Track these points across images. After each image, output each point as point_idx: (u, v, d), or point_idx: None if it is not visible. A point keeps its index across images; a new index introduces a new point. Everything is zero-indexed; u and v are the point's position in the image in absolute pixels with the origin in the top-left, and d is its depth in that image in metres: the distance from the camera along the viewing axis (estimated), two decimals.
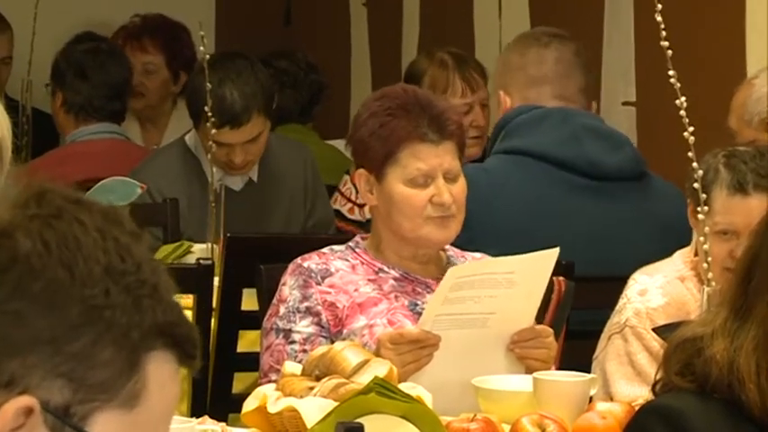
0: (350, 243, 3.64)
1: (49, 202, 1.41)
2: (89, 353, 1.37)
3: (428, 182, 3.49)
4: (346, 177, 4.83)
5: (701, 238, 3.46)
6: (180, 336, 1.42)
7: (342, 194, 5.16)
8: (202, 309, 4.04)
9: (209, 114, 4.76)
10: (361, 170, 3.60)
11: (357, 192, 3.75)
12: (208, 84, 4.74)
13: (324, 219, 5.14)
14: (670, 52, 3.43)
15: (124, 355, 1.38)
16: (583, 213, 4.07)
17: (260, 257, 3.89)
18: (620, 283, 3.75)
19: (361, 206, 3.85)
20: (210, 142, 4.77)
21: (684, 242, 4.11)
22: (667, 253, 3.96)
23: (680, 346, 2.33)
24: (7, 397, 1.35)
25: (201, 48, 5.13)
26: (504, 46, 4.93)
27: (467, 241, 3.64)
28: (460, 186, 3.53)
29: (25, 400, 1.35)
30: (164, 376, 1.41)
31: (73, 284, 1.37)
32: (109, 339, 1.37)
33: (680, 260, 3.74)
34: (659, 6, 3.44)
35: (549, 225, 3.83)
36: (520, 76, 4.45)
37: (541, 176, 4.24)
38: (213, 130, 4.79)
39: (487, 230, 3.62)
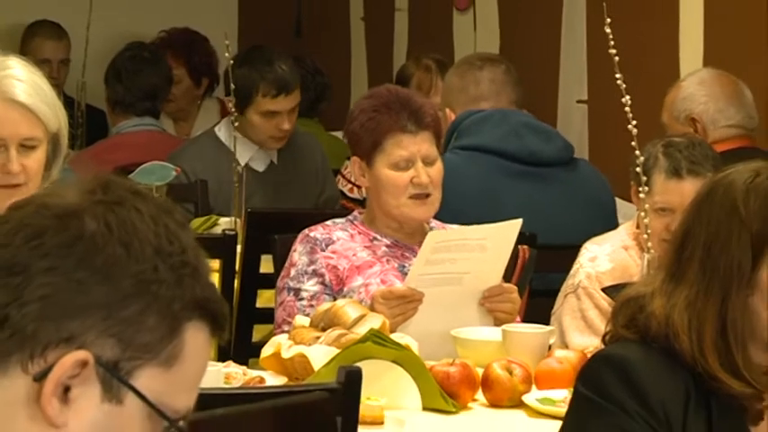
0: (349, 217, 3.64)
1: (113, 191, 1.42)
2: (137, 319, 1.37)
3: (409, 165, 3.49)
4: (347, 162, 4.81)
5: (642, 214, 3.46)
6: (214, 311, 1.43)
7: (343, 177, 5.15)
8: (227, 272, 4.06)
9: (262, 93, 4.92)
10: (355, 157, 3.61)
11: (354, 176, 3.75)
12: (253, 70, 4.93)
13: (331, 197, 5.15)
14: (617, 59, 3.43)
15: (166, 322, 1.39)
16: (525, 194, 4.09)
17: (274, 229, 3.89)
18: (573, 251, 3.76)
19: (359, 187, 3.85)
20: (258, 116, 4.93)
21: (606, 215, 4.22)
22: (592, 223, 4.06)
23: (625, 303, 2.33)
24: (66, 350, 1.35)
25: (227, 54, 5.15)
26: (453, 67, 4.92)
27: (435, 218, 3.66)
28: (437, 169, 3.54)
29: (81, 354, 1.35)
30: (198, 343, 1.42)
31: (128, 261, 1.38)
32: (154, 309, 1.38)
33: (624, 232, 3.75)
34: (608, 20, 3.45)
35: (497, 205, 3.84)
36: (461, 95, 4.49)
37: (490, 166, 4.26)
38: (270, 101, 4.92)
39: (449, 211, 3.63)
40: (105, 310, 1.37)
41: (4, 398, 1.37)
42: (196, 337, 1.41)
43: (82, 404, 1.37)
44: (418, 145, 3.50)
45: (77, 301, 1.36)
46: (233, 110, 4.89)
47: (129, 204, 1.41)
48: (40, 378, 1.36)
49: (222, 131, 5.09)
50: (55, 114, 2.98)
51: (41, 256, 1.37)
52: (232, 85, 4.61)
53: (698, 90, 4.37)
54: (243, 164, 4.96)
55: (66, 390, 1.36)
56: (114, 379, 1.37)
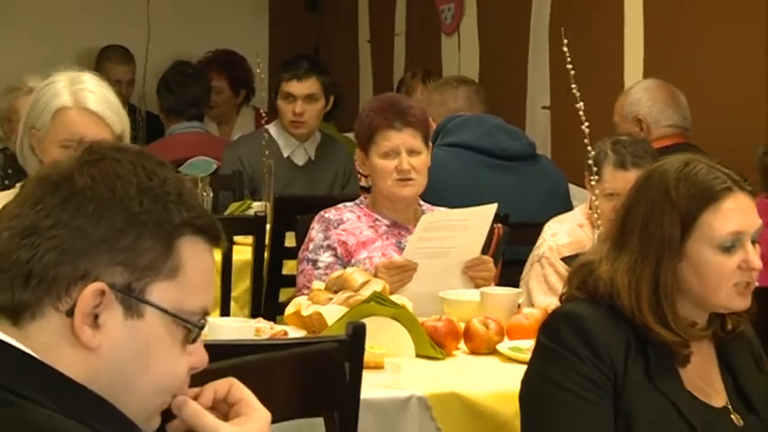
0: (356, 201, 3.63)
1: (95, 152, 1.43)
2: (134, 245, 1.37)
3: (394, 155, 3.48)
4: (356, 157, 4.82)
5: (594, 198, 3.46)
6: (202, 225, 1.42)
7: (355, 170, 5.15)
8: (259, 245, 4.03)
9: (283, 79, 4.99)
10: (358, 150, 3.62)
11: (360, 168, 3.76)
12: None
13: (354, 190, 5.09)
14: (573, 72, 3.41)
15: (160, 243, 1.38)
16: (497, 183, 4.09)
17: (297, 210, 3.87)
18: (538, 228, 3.74)
19: (366, 176, 3.85)
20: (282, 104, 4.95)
21: (562, 200, 4.23)
22: (551, 205, 4.05)
23: (578, 269, 2.32)
24: (84, 285, 1.35)
25: (258, 70, 5.19)
26: (434, 85, 5.04)
27: (426, 202, 3.65)
28: (420, 159, 3.51)
29: (97, 285, 1.35)
30: (195, 253, 1.41)
31: (115, 201, 1.37)
32: (147, 234, 1.38)
33: (579, 213, 3.74)
34: (566, 41, 3.44)
35: (476, 191, 3.82)
36: (442, 108, 4.52)
37: (469, 160, 4.26)
38: (286, 84, 4.94)
39: (437, 196, 3.63)
40: (106, 244, 1.36)
41: (48, 336, 1.37)
42: (192, 249, 1.41)
43: (109, 326, 1.37)
44: (402, 139, 3.48)
45: (82, 244, 1.36)
46: (264, 116, 4.93)
47: (110, 158, 1.41)
48: (70, 313, 1.36)
49: (272, 128, 5.06)
50: (119, 120, 2.98)
51: (45, 216, 1.37)
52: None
53: (643, 96, 4.37)
54: (285, 156, 4.98)
55: (96, 317, 1.36)
56: (131, 298, 1.37)
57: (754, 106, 4.31)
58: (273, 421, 1.53)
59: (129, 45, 6.61)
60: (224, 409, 1.50)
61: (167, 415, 1.47)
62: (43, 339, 1.36)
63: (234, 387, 1.51)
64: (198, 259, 1.41)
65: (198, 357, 1.44)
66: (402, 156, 3.48)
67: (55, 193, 1.38)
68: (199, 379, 1.51)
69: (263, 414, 1.50)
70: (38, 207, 1.38)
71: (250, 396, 1.51)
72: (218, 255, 3.93)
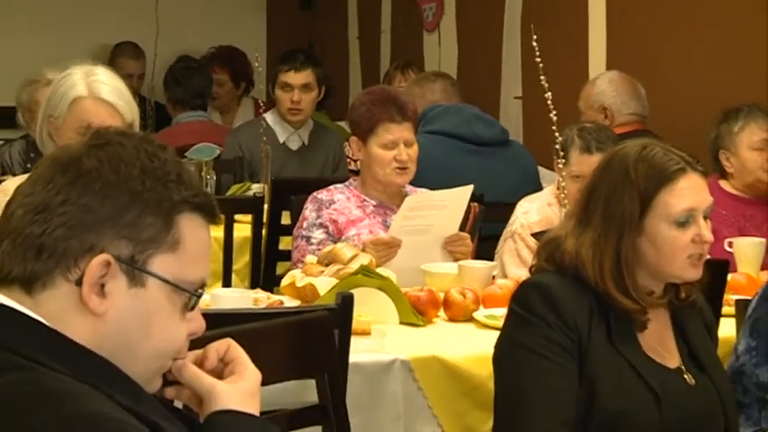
0: (346, 183, 3.62)
1: (101, 137, 1.42)
2: (137, 221, 1.37)
3: (394, 146, 3.46)
4: (346, 143, 4.78)
5: (561, 179, 3.46)
6: (199, 203, 1.42)
7: (346, 155, 5.13)
8: (257, 223, 4.03)
9: (280, 70, 4.95)
10: (353, 137, 3.58)
11: (352, 152, 3.74)
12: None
13: (343, 173, 5.06)
14: (541, 65, 3.42)
15: (161, 219, 1.38)
16: (473, 166, 4.05)
17: (292, 191, 3.86)
18: (510, 206, 3.74)
19: (355, 161, 3.84)
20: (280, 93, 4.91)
21: (532, 181, 4.23)
22: (522, 186, 4.03)
23: (547, 243, 2.31)
24: (92, 257, 1.35)
25: (256, 64, 5.17)
26: (414, 79, 5.03)
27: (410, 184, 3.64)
28: (414, 149, 3.51)
29: (103, 257, 1.35)
30: (193, 228, 1.41)
31: (119, 181, 1.37)
32: (148, 211, 1.37)
33: (548, 193, 3.74)
34: (535, 37, 3.44)
35: (454, 174, 3.80)
36: (422, 100, 4.48)
37: (448, 146, 4.24)
38: (283, 74, 4.92)
39: (419, 179, 3.62)
40: (111, 220, 1.36)
41: (58, 304, 1.36)
42: (191, 225, 1.40)
43: (115, 294, 1.36)
44: (401, 132, 3.47)
45: (89, 220, 1.35)
46: (262, 105, 4.91)
47: (115, 142, 1.40)
48: (79, 282, 1.35)
49: (269, 116, 5.03)
50: (130, 109, 2.97)
51: (55, 194, 1.36)
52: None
53: (608, 87, 4.38)
54: (281, 142, 4.94)
55: (102, 287, 1.35)
56: (134, 269, 1.37)
57: (706, 96, 4.31)
58: (271, 383, 1.53)
59: (140, 42, 6.60)
60: (219, 368, 1.50)
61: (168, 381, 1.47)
62: (54, 307, 1.35)
63: (231, 347, 1.51)
64: (196, 234, 1.41)
65: (196, 324, 1.44)
66: (401, 147, 3.47)
67: (64, 173, 1.37)
68: (200, 345, 1.50)
69: (255, 373, 1.50)
70: (49, 186, 1.37)
71: (244, 356, 1.51)
72: (219, 231, 3.97)
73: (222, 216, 2.00)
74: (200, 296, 1.42)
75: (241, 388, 1.46)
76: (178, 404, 1.53)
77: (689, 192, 2.19)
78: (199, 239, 1.41)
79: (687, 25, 4.55)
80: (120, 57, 6.50)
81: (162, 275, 1.38)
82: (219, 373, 1.49)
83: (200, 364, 1.48)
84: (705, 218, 2.22)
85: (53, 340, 1.34)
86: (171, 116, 5.79)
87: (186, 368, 1.46)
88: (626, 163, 2.22)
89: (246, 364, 1.49)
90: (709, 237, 2.21)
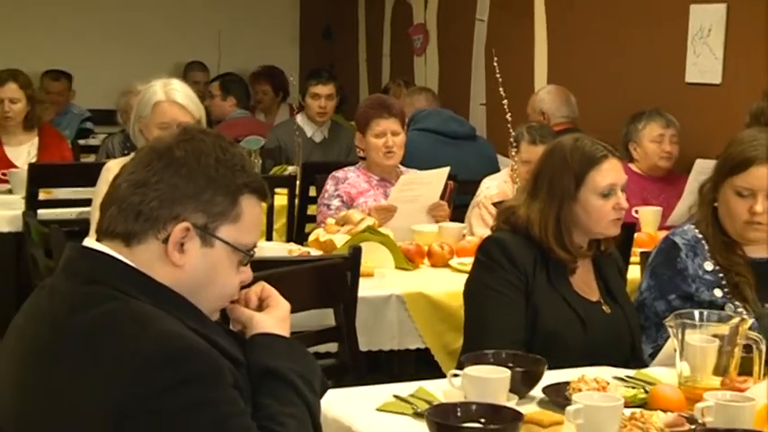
0: (356, 165, 3.57)
1: (187, 133, 1.40)
2: (211, 199, 1.35)
3: (383, 135, 3.42)
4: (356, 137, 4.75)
5: (514, 164, 3.44)
6: (256, 187, 1.40)
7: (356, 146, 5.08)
8: (291, 196, 3.99)
9: (311, 83, 4.88)
10: (357, 132, 3.54)
11: (358, 143, 3.70)
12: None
13: (354, 158, 4.95)
14: (500, 79, 3.40)
15: (228, 198, 1.36)
16: (451, 154, 3.99)
17: (317, 172, 3.83)
18: (476, 183, 3.71)
19: (362, 150, 3.80)
20: (309, 101, 4.83)
21: (492, 165, 4.17)
22: (484, 168, 3.98)
23: (504, 210, 2.29)
24: (176, 223, 1.34)
25: (291, 78, 5.12)
26: (407, 92, 5.02)
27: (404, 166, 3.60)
28: (400, 138, 3.46)
29: (184, 224, 1.34)
30: (250, 206, 1.39)
31: (199, 168, 1.35)
32: (220, 192, 1.35)
33: (505, 173, 3.68)
34: (496, 59, 3.41)
35: (436, 160, 3.72)
36: (411, 107, 4.47)
37: (431, 139, 4.17)
38: (313, 86, 4.84)
39: (411, 163, 3.58)
40: (192, 197, 1.34)
41: (149, 256, 1.35)
42: (249, 203, 1.38)
43: (191, 252, 1.35)
44: (388, 124, 3.42)
45: (176, 195, 1.34)
46: (295, 110, 4.85)
47: (198, 138, 1.38)
48: (165, 241, 1.34)
49: (299, 118, 4.97)
50: (197, 108, 2.94)
51: (152, 174, 1.35)
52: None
53: (546, 97, 4.32)
54: (308, 136, 4.87)
55: (182, 245, 1.34)
56: (206, 234, 1.35)
57: (619, 103, 4.29)
58: (300, 310, 1.51)
59: (206, 60, 6.52)
60: (256, 304, 1.48)
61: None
62: (144, 257, 1.34)
63: (264, 287, 1.49)
64: (252, 210, 1.39)
65: (246, 275, 1.42)
66: (388, 136, 3.42)
67: (159, 159, 1.36)
68: (253, 283, 1.48)
69: (285, 304, 1.48)
70: (147, 168, 1.35)
71: (275, 293, 1.49)
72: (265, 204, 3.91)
73: None
74: (252, 256, 1.41)
75: (274, 316, 1.45)
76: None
77: (610, 172, 2.17)
78: (254, 215, 1.39)
79: (606, 52, 4.52)
80: (191, 71, 6.43)
81: (226, 240, 1.36)
82: (258, 309, 1.47)
83: (245, 304, 1.47)
84: (622, 191, 2.20)
85: (141, 279, 1.34)
86: (221, 116, 5.69)
87: (234, 308, 1.46)
88: (563, 151, 2.20)
89: (278, 298, 1.48)
90: (625, 204, 2.20)
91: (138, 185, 1.34)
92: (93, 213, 2.92)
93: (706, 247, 2.23)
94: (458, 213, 3.64)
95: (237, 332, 1.46)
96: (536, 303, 2.14)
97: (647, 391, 1.80)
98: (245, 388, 1.34)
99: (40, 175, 3.59)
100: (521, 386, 1.77)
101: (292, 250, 2.98)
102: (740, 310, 2.13)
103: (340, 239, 2.95)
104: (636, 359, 2.18)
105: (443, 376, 1.83)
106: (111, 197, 1.36)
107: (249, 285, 1.46)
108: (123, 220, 1.34)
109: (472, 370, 1.71)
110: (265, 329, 1.42)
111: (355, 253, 2.48)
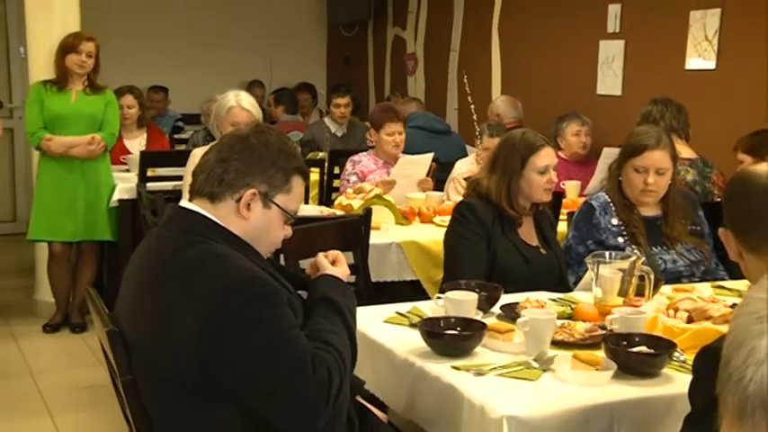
0: (367, 152, 3.52)
1: (260, 127, 1.37)
2: (273, 175, 1.32)
3: (393, 134, 3.38)
4: (367, 133, 4.63)
5: (478, 150, 3.39)
6: (303, 171, 1.37)
7: (367, 138, 5.02)
8: (321, 173, 3.92)
9: (333, 96, 4.76)
10: (372, 129, 3.49)
11: (370, 136, 3.64)
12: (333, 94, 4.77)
13: (365, 147, 4.79)
14: (468, 92, 3.35)
15: (285, 176, 1.34)
16: (434, 145, 3.82)
17: (340, 156, 3.77)
18: (451, 164, 3.66)
19: (373, 141, 3.75)
20: (333, 108, 4.70)
21: (461, 151, 4.10)
22: (457, 154, 3.91)
23: (472, 182, 2.26)
24: (247, 189, 1.31)
25: (321, 91, 5.04)
26: (402, 101, 4.88)
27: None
28: (403, 136, 3.41)
29: (252, 190, 1.32)
30: (298, 183, 1.36)
31: (267, 153, 1.32)
32: (280, 171, 1.33)
33: (472, 157, 3.64)
34: (466, 76, 3.37)
35: (423, 148, 3.68)
36: (405, 111, 4.37)
37: (420, 134, 4.10)
38: (335, 97, 4.72)
39: (407, 150, 3.53)
40: (259, 173, 1.32)
41: (226, 211, 1.32)
42: (297, 182, 1.36)
43: (255, 210, 1.33)
44: (397, 127, 3.38)
45: (249, 170, 1.31)
46: (323, 113, 4.76)
47: (267, 131, 1.35)
48: (238, 201, 1.31)
49: (326, 119, 4.90)
50: (257, 112, 2.90)
51: (233, 153, 1.32)
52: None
53: (501, 103, 4.25)
54: (333, 132, 4.80)
55: (249, 205, 1.32)
56: (267, 200, 1.33)
57: (551, 108, 4.22)
58: (327, 250, 1.51)
59: (263, 79, 6.43)
60: (331, 260, 1.48)
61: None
62: (223, 213, 1.32)
63: (338, 254, 1.49)
64: (298, 187, 1.37)
65: (288, 231, 1.40)
66: (395, 135, 3.38)
67: (240, 144, 1.33)
68: (292, 237, 1.45)
69: (347, 268, 1.48)
70: (229, 149, 1.33)
71: (343, 258, 1.49)
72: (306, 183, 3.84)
73: None
74: (295, 219, 1.39)
75: (339, 270, 1.45)
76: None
77: (546, 156, 2.15)
78: (299, 190, 1.37)
79: (542, 72, 4.45)
80: (252, 87, 6.34)
81: (279, 205, 1.34)
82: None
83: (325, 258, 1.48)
84: (554, 170, 2.17)
85: (220, 230, 1.32)
86: (275, 119, 5.63)
87: (319, 259, 1.46)
88: (513, 141, 2.17)
89: (344, 262, 1.48)
90: (555, 179, 2.17)
91: (222, 160, 1.32)
92: (185, 185, 2.89)
93: (613, 208, 2.23)
94: (439, 186, 3.61)
95: (289, 270, 1.46)
96: (494, 248, 2.13)
97: (572, 308, 1.81)
98: (296, 305, 1.32)
99: (148, 159, 3.64)
100: (485, 305, 1.77)
101: (323, 210, 2.95)
102: (636, 251, 2.13)
103: (356, 204, 2.92)
104: (564, 286, 2.17)
105: (430, 299, 1.83)
106: (202, 167, 1.34)
107: (295, 234, 1.44)
108: (210, 184, 1.32)
109: (451, 294, 1.71)
110: (332, 273, 1.43)
111: (367, 213, 2.47)
